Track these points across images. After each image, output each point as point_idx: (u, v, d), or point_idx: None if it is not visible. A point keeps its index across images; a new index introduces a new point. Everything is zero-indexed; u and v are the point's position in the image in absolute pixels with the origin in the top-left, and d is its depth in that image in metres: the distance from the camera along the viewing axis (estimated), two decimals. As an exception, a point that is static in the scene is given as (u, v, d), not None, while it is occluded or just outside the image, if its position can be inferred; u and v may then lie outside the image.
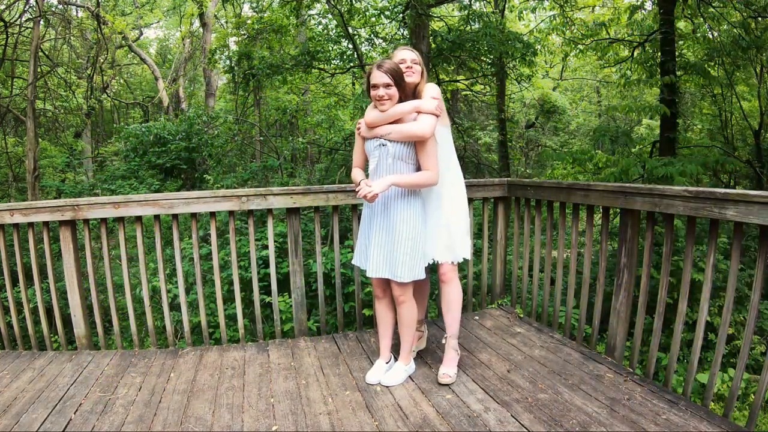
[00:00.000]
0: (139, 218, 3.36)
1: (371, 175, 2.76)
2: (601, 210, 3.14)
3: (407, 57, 2.74)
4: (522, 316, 3.79)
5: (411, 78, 2.72)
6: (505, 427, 2.29)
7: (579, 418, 2.36)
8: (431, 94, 2.72)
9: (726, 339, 2.41)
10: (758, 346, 5.05)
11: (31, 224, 3.31)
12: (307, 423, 2.37)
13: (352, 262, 3.01)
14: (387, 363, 2.89)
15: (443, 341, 2.94)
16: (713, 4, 7.93)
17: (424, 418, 2.38)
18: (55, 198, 9.32)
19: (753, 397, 3.07)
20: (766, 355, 2.15)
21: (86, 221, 3.34)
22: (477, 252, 4.79)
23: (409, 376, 2.83)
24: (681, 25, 8.70)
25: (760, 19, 7.97)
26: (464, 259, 2.86)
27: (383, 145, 2.66)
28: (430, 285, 3.24)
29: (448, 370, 2.81)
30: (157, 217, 3.36)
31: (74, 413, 2.50)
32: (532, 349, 3.17)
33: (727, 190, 2.29)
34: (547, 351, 3.13)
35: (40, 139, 10.14)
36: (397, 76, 2.60)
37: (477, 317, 3.77)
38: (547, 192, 3.45)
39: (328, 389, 2.71)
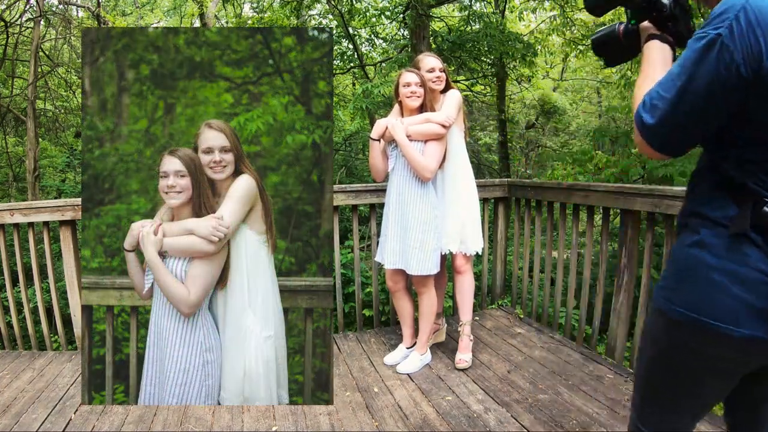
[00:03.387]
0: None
1: (391, 173, 2.90)
2: (601, 211, 3.15)
3: (436, 66, 2.95)
4: (522, 316, 3.79)
5: (438, 86, 2.96)
6: (505, 428, 2.29)
7: (579, 418, 2.36)
8: (450, 103, 2.89)
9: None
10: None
11: (31, 224, 3.31)
12: (307, 423, 2.37)
13: (375, 259, 3.16)
14: (408, 348, 3.07)
15: (458, 329, 3.10)
16: (713, 5, 7.93)
17: (424, 419, 2.38)
18: (56, 198, 9.33)
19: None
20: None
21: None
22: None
23: (409, 376, 2.84)
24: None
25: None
26: (476, 252, 3.02)
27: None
28: (446, 279, 3.37)
29: (464, 355, 3.01)
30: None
31: (74, 413, 2.50)
32: (532, 349, 3.17)
33: (728, 191, 2.29)
34: (548, 352, 3.13)
35: (40, 139, 10.13)
36: (423, 80, 2.84)
37: (477, 318, 3.77)
38: (548, 193, 3.45)
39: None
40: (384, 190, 3.10)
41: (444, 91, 2.99)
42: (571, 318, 3.40)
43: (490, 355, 3.11)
